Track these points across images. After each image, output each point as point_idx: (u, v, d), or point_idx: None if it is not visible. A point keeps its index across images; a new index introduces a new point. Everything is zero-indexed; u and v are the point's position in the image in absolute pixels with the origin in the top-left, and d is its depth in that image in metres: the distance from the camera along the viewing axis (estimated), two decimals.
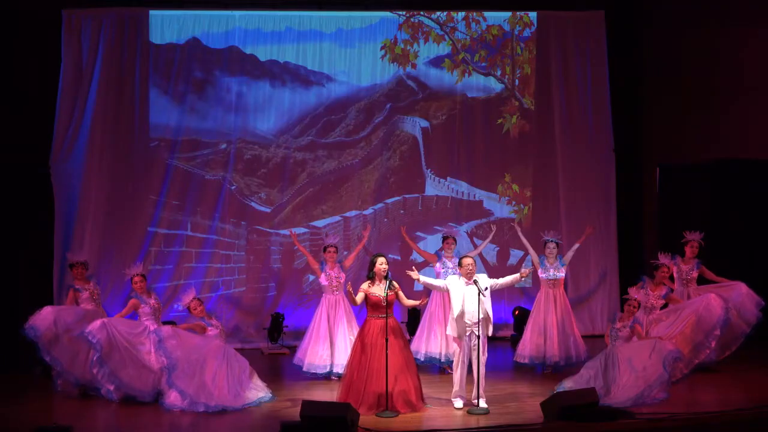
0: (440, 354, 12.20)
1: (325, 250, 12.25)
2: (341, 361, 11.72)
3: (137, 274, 11.30)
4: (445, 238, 12.61)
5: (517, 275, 10.82)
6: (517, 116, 15.02)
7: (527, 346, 12.35)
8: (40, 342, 11.02)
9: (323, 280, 12.11)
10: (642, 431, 9.68)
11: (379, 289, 10.40)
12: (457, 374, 10.58)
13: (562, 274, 12.45)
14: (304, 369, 11.91)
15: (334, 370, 11.86)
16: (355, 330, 11.92)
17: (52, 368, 11.25)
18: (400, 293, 10.57)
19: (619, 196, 14.96)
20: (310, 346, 11.94)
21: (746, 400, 10.57)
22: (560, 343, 12.23)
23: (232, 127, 14.38)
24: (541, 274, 12.47)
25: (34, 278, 13.49)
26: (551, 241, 12.49)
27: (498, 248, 14.94)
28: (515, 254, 14.96)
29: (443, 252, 12.56)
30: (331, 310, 12.02)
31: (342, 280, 12.08)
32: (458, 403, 10.56)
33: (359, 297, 10.45)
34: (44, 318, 11.10)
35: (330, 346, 11.90)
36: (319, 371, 11.89)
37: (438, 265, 12.52)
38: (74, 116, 13.76)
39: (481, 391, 10.39)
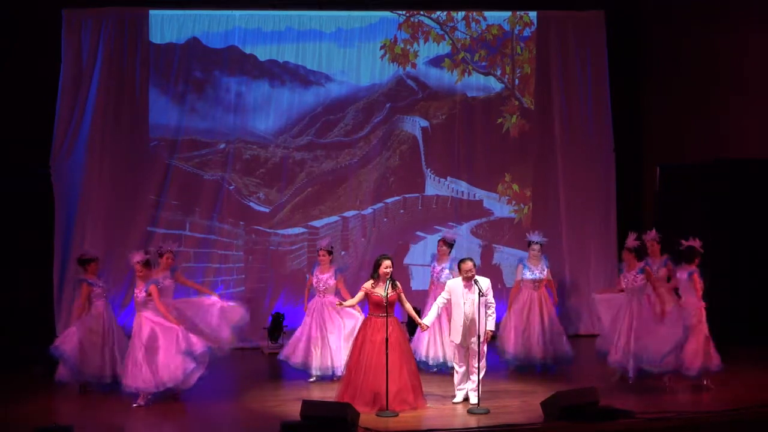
0: (435, 357, 12.18)
1: (318, 252, 12.24)
2: (325, 363, 11.72)
3: (170, 250, 11.47)
4: (440, 242, 12.57)
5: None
6: (517, 116, 15.02)
7: (511, 345, 12.27)
8: (67, 362, 11.05)
9: (313, 281, 12.11)
10: (642, 431, 9.68)
11: (381, 289, 10.42)
12: (458, 372, 10.64)
13: (543, 275, 12.36)
14: (280, 357, 11.97)
15: (314, 372, 11.82)
16: (340, 331, 11.85)
17: (59, 361, 11.21)
18: (402, 295, 10.61)
19: (619, 196, 14.97)
20: (291, 342, 12.02)
21: (746, 400, 10.56)
22: (546, 344, 12.20)
23: (231, 127, 14.39)
24: (525, 275, 12.35)
25: (35, 278, 13.48)
26: (536, 242, 12.39)
27: (497, 248, 14.96)
28: (515, 254, 14.93)
29: (437, 255, 12.55)
30: (316, 312, 11.99)
31: (331, 284, 12.01)
32: (458, 397, 10.62)
33: (358, 296, 10.50)
34: (70, 339, 11.14)
35: (311, 345, 11.87)
36: (292, 362, 11.89)
37: (438, 267, 12.52)
38: (74, 116, 13.77)
39: (476, 387, 10.41)
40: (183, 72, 14.22)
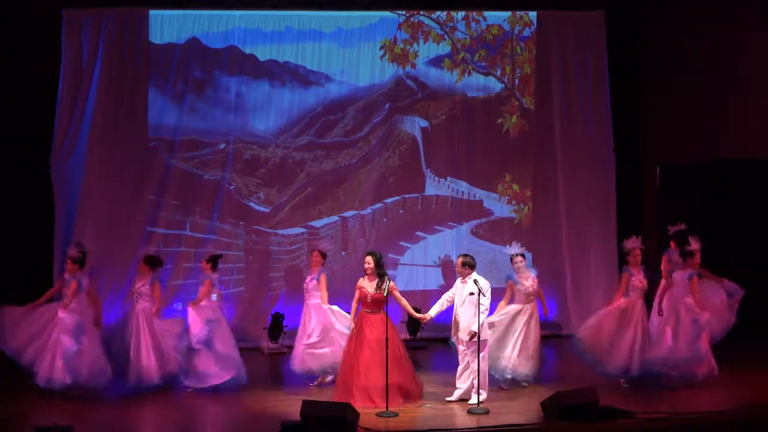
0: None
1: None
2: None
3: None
4: (314, 252, 11.99)
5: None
6: (517, 116, 15.02)
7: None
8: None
9: None
10: (642, 431, 9.68)
11: (369, 285, 10.49)
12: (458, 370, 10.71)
13: (535, 283, 11.56)
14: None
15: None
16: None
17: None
18: (395, 293, 10.61)
19: (619, 196, 14.96)
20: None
21: (746, 400, 10.57)
22: (522, 359, 11.45)
23: (231, 127, 14.38)
24: (519, 286, 11.49)
25: (35, 278, 13.46)
26: (517, 254, 11.56)
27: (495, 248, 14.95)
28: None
29: (310, 266, 12.08)
30: None
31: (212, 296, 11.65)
32: (453, 395, 10.67)
33: (355, 298, 10.57)
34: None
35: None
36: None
37: (308, 278, 11.99)
38: (74, 116, 13.77)
39: (477, 387, 10.40)
40: (183, 72, 14.21)
